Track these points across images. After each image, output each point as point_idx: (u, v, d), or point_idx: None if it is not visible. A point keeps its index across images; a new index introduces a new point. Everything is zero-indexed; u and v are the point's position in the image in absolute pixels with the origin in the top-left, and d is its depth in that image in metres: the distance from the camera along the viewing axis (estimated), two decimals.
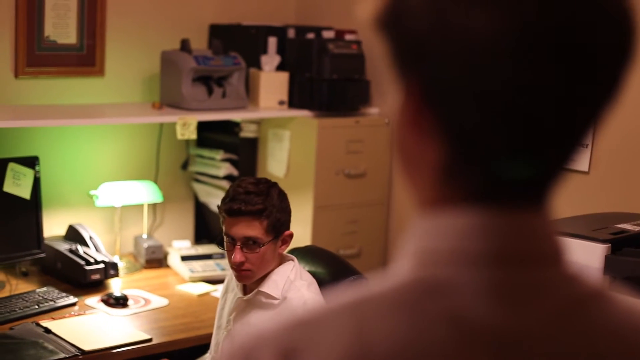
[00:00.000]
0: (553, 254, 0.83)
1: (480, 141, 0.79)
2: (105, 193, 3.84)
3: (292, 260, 2.68)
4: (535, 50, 0.76)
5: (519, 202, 0.82)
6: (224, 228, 2.61)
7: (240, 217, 2.57)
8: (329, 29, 4.09)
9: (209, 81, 3.84)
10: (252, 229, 2.57)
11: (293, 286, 2.59)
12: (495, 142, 0.79)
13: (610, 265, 2.47)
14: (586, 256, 2.48)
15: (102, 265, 3.58)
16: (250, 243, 2.57)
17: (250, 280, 2.62)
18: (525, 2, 0.76)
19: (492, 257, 0.80)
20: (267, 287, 2.60)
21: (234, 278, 2.71)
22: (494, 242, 0.81)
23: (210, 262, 3.92)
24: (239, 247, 2.57)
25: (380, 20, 0.83)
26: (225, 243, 2.63)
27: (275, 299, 2.59)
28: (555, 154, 0.81)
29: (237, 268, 2.59)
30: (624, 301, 0.87)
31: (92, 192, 3.84)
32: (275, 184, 2.65)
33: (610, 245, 2.49)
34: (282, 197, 2.64)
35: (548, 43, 0.76)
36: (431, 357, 0.78)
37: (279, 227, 2.60)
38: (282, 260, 2.67)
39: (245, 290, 2.68)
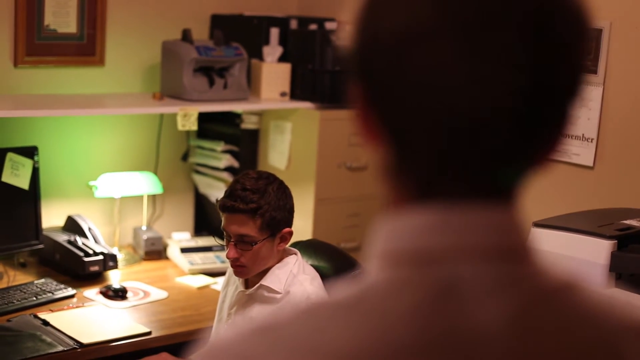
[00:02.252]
0: (521, 248, 0.82)
1: (421, 140, 0.80)
2: (105, 184, 3.81)
3: (295, 254, 2.66)
4: (449, 39, 0.76)
5: (478, 197, 0.81)
6: (222, 222, 2.60)
7: (234, 214, 2.55)
8: (331, 20, 4.06)
9: (211, 72, 3.81)
10: (245, 227, 2.54)
11: (296, 280, 2.57)
12: (429, 137, 0.79)
13: (616, 262, 2.44)
14: (591, 252, 2.46)
15: (101, 257, 3.55)
16: (243, 240, 2.55)
17: (246, 275, 2.60)
18: None
19: (451, 253, 0.80)
20: (270, 281, 2.58)
21: None
22: (453, 239, 0.80)
23: (210, 255, 3.89)
24: (232, 243, 2.55)
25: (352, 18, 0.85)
26: (224, 237, 2.61)
27: (278, 293, 2.56)
28: (505, 148, 0.79)
29: (232, 263, 2.58)
30: (594, 293, 0.86)
31: (91, 183, 3.81)
32: (276, 180, 2.61)
33: (616, 241, 2.47)
34: (281, 194, 2.59)
35: (481, 34, 0.76)
36: (392, 356, 0.77)
37: (275, 225, 2.57)
38: (284, 254, 2.65)
39: (247, 284, 2.66)
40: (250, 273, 2.59)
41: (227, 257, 2.57)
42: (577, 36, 0.80)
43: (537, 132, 0.80)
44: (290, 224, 2.63)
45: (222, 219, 2.59)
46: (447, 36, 0.76)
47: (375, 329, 0.78)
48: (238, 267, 2.57)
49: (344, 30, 0.86)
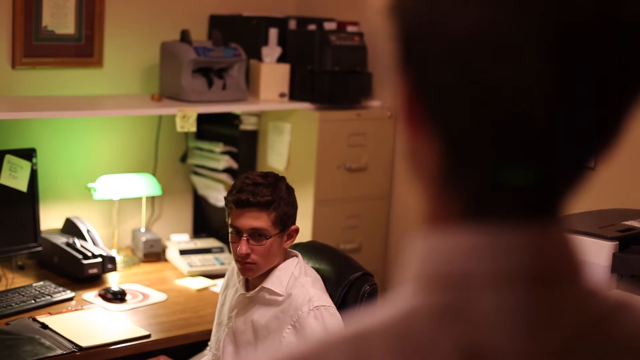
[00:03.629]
0: (569, 270, 0.77)
1: (473, 145, 0.74)
2: (103, 186, 3.79)
3: (296, 256, 2.65)
4: (530, 50, 0.71)
5: (526, 215, 0.76)
6: (229, 220, 2.58)
7: (248, 208, 2.54)
8: (330, 20, 4.05)
9: (209, 73, 3.80)
10: (260, 221, 2.54)
11: (297, 282, 2.56)
12: (488, 147, 0.74)
13: (617, 263, 2.43)
14: (593, 254, 2.45)
15: (99, 259, 3.54)
16: (256, 235, 2.54)
17: (254, 274, 2.58)
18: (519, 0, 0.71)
19: (503, 278, 0.74)
20: (271, 283, 2.56)
21: (235, 273, 2.67)
22: (503, 262, 0.74)
23: (209, 256, 3.88)
24: (245, 238, 2.54)
25: (387, 8, 0.79)
26: (230, 235, 2.59)
27: (280, 295, 2.55)
28: (561, 160, 0.75)
29: (242, 260, 2.55)
30: None
31: (89, 185, 3.79)
32: (283, 178, 2.63)
33: (617, 242, 2.45)
34: (290, 191, 2.62)
35: (545, 43, 0.71)
36: None
37: (286, 220, 2.57)
38: (286, 256, 2.63)
39: (248, 287, 2.64)
40: (258, 271, 2.57)
41: (239, 253, 2.54)
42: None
43: (591, 147, 0.76)
44: (295, 222, 2.63)
45: (231, 216, 2.57)
46: (529, 46, 0.71)
47: None
48: (247, 265, 2.55)
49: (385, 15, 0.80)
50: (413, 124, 0.77)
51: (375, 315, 0.78)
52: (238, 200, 2.55)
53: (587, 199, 3.19)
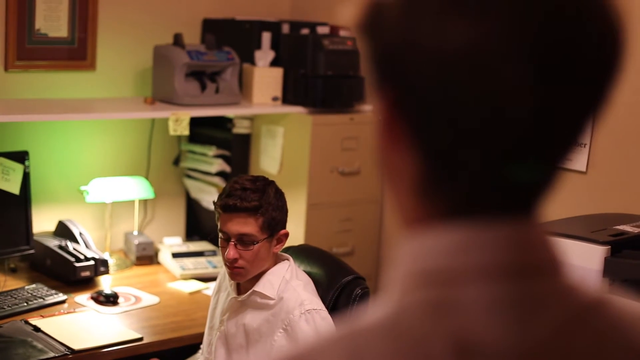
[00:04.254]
0: (551, 264, 0.80)
1: (457, 154, 0.77)
2: (96, 189, 3.79)
3: (288, 259, 2.65)
4: (513, 61, 0.73)
5: (508, 212, 0.79)
6: (218, 224, 2.58)
7: (236, 213, 2.54)
8: (323, 24, 4.05)
9: (202, 76, 3.80)
10: (247, 226, 2.54)
11: (289, 286, 2.56)
12: (473, 154, 0.76)
13: (609, 267, 2.44)
14: (585, 258, 2.45)
15: (92, 262, 3.54)
16: (244, 240, 2.54)
17: (243, 278, 2.59)
18: (501, 13, 0.73)
19: (487, 272, 0.77)
20: (262, 287, 2.56)
21: (227, 277, 2.67)
22: (486, 257, 0.77)
23: (201, 260, 3.88)
24: (232, 243, 2.54)
25: (359, 26, 0.81)
26: (219, 239, 2.59)
27: (271, 299, 2.55)
28: (541, 161, 0.78)
29: (230, 265, 2.56)
30: (627, 306, 0.85)
31: (82, 188, 3.79)
32: (272, 182, 2.62)
33: (609, 247, 2.46)
34: (279, 195, 2.61)
35: (526, 54, 0.74)
36: None
37: (274, 225, 2.57)
38: (277, 259, 2.64)
39: (239, 290, 2.65)
40: (247, 275, 2.58)
41: (227, 258, 2.55)
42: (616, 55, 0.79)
43: (566, 144, 0.79)
44: (285, 226, 2.63)
45: (220, 220, 2.58)
46: (517, 59, 0.73)
47: (417, 356, 0.75)
48: (235, 269, 2.56)
49: (357, 29, 0.81)
50: (392, 138, 0.79)
51: (367, 314, 0.80)
52: (225, 205, 2.55)
53: (578, 203, 3.21)
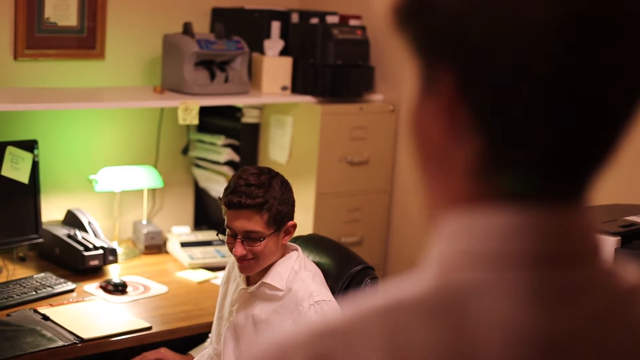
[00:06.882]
0: (591, 251, 0.80)
1: (526, 132, 0.75)
2: (105, 178, 3.79)
3: (296, 249, 2.64)
4: (590, 33, 0.72)
5: (558, 198, 0.78)
6: (225, 220, 2.57)
7: (241, 210, 2.51)
8: (333, 13, 4.04)
9: (212, 65, 3.79)
10: (253, 223, 2.52)
11: (297, 277, 2.55)
12: (542, 133, 0.75)
13: (620, 258, 2.42)
14: None
15: (100, 251, 3.54)
16: (251, 237, 2.52)
17: (252, 271, 2.58)
18: None
19: (532, 257, 0.77)
20: (271, 278, 2.56)
21: (236, 267, 2.66)
22: (533, 242, 0.77)
23: (210, 249, 3.88)
24: (239, 240, 2.52)
25: (402, 6, 0.78)
26: (226, 236, 2.58)
27: (280, 290, 2.54)
28: (600, 144, 0.78)
29: (239, 260, 2.55)
30: None
31: (91, 177, 3.79)
32: (277, 175, 2.59)
33: (620, 238, 2.45)
34: (285, 187, 2.58)
35: (602, 26, 0.73)
36: None
37: (281, 219, 2.55)
38: (286, 250, 2.63)
39: (249, 282, 2.64)
40: (256, 269, 2.57)
41: (235, 255, 2.54)
42: None
43: (618, 133, 0.79)
44: (293, 217, 2.61)
45: (226, 216, 2.56)
46: (594, 37, 0.73)
47: (461, 336, 0.75)
48: (244, 262, 2.55)
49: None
50: (450, 118, 0.77)
51: (404, 288, 0.79)
52: (230, 202, 2.53)
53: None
